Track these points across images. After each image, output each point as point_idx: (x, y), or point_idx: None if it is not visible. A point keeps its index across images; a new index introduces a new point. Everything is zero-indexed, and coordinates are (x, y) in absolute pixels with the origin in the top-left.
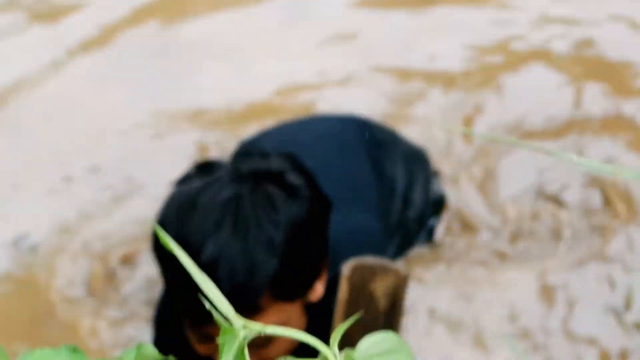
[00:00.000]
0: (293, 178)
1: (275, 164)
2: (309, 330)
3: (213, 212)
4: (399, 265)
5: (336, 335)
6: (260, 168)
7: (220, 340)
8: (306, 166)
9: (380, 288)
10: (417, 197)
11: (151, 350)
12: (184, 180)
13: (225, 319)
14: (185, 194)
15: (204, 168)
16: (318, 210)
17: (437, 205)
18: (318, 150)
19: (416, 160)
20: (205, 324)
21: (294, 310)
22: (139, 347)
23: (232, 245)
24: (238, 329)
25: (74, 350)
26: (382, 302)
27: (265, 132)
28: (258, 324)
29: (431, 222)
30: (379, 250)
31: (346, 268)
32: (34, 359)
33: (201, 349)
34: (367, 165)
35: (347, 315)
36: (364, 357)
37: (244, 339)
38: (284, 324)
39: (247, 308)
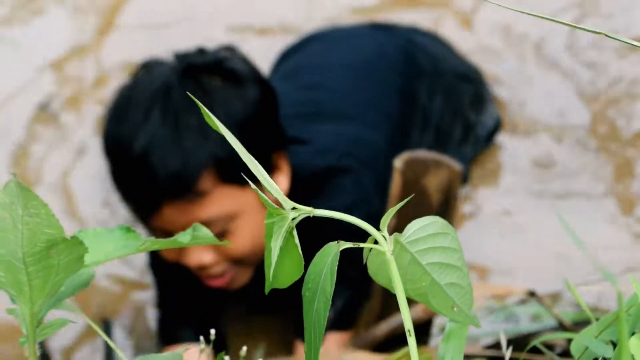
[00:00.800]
0: (233, 63)
1: (214, 55)
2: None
3: (142, 105)
4: (453, 160)
5: (386, 219)
6: (196, 60)
7: (267, 222)
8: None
9: (434, 183)
10: (456, 131)
11: (206, 232)
12: (130, 80)
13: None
14: (121, 92)
15: (147, 66)
16: (259, 94)
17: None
18: (342, 75)
19: (462, 90)
20: (150, 216)
21: (247, 196)
22: (195, 228)
23: (161, 134)
24: (287, 212)
25: (128, 230)
26: (434, 197)
27: (306, 40)
28: (306, 207)
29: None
30: (377, 165)
31: (399, 162)
32: (87, 237)
33: (162, 251)
34: (394, 95)
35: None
36: (411, 240)
37: (293, 220)
38: (238, 211)
39: (188, 194)
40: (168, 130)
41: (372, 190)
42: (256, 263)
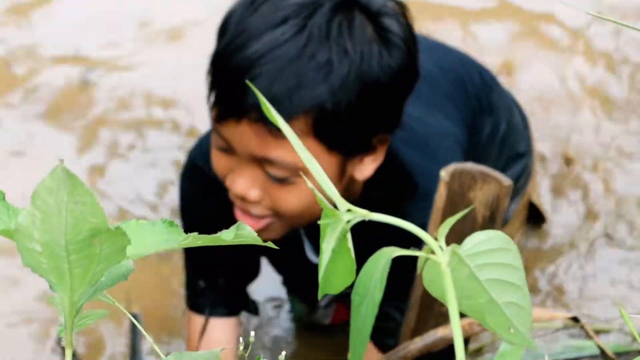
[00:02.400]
0: (394, 23)
1: (381, 3)
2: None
3: (283, 9)
4: (501, 174)
5: (444, 229)
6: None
7: (322, 223)
8: (413, 25)
9: (480, 197)
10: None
11: (250, 231)
12: None
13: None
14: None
15: None
16: (400, 70)
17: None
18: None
19: (514, 143)
20: (225, 121)
21: (329, 162)
22: (238, 227)
23: (285, 50)
24: (342, 213)
25: (170, 224)
26: (480, 211)
27: None
28: (363, 210)
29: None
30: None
31: (445, 173)
32: (130, 228)
33: (217, 161)
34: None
35: (443, 222)
36: (470, 253)
37: (348, 223)
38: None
39: (274, 125)
40: (292, 50)
41: None
42: (296, 226)
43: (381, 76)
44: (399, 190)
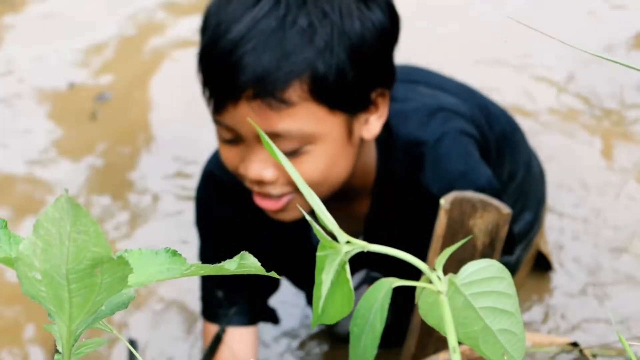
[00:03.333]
0: None
1: None
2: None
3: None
4: (501, 203)
5: (441, 259)
6: None
7: (319, 254)
8: None
9: (480, 224)
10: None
11: (253, 260)
12: None
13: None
14: None
15: None
16: (382, 24)
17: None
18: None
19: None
20: (224, 109)
21: (334, 123)
22: (242, 256)
23: (265, 25)
24: (340, 245)
25: (173, 253)
26: (480, 238)
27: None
28: (360, 242)
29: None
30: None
31: (446, 201)
32: (133, 257)
33: (226, 155)
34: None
35: (443, 249)
36: (466, 282)
37: (346, 254)
38: (318, 135)
39: (271, 98)
40: (273, 22)
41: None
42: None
43: (364, 31)
44: (408, 165)
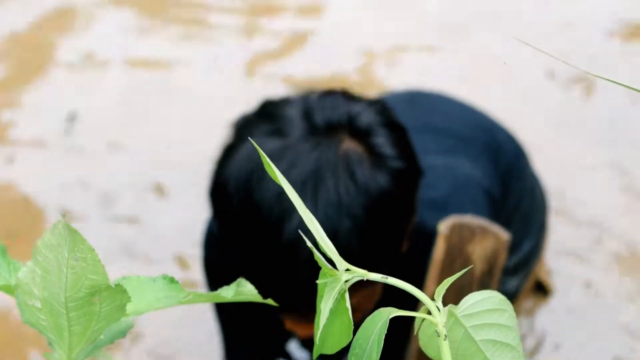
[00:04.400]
0: (381, 141)
1: (362, 115)
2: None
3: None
4: (500, 228)
5: (441, 290)
6: (341, 120)
7: (320, 283)
8: (397, 119)
9: (479, 250)
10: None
11: (250, 287)
12: (245, 127)
13: (329, 261)
14: (256, 160)
15: (269, 114)
16: (406, 182)
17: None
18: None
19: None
20: (283, 311)
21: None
22: (239, 284)
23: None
24: (340, 273)
25: (171, 280)
26: (478, 265)
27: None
28: (360, 270)
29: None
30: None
31: (444, 226)
32: (130, 285)
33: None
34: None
35: (441, 275)
36: (466, 313)
37: (346, 283)
38: (363, 301)
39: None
40: (320, 218)
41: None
42: None
43: (388, 197)
44: (421, 252)
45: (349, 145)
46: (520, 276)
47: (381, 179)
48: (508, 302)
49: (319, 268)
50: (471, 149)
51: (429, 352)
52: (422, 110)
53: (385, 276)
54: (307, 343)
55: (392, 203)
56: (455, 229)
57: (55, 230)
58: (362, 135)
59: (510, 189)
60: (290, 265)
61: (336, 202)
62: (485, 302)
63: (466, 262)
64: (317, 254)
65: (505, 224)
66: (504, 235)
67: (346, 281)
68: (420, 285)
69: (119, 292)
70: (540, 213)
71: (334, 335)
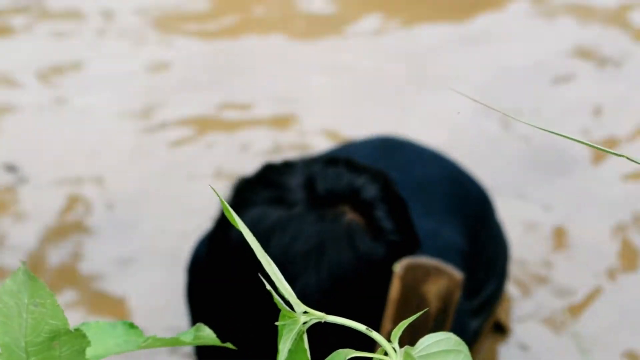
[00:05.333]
0: (381, 215)
1: (365, 189)
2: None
3: (294, 261)
4: (454, 268)
5: (397, 331)
6: (344, 192)
7: (278, 323)
8: (398, 191)
9: (433, 290)
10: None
11: (209, 332)
12: (245, 191)
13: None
14: (258, 231)
15: (270, 181)
16: (403, 253)
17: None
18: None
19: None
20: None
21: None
22: (198, 328)
23: (317, 299)
24: (298, 315)
25: (131, 326)
26: (433, 304)
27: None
28: (318, 313)
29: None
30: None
31: (399, 267)
32: (90, 329)
33: None
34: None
35: (397, 314)
36: (422, 354)
37: (304, 325)
38: None
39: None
40: (322, 296)
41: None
42: None
43: (384, 266)
44: None
45: (351, 217)
46: (482, 317)
47: (380, 250)
48: (464, 343)
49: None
50: (446, 203)
51: None
52: (401, 162)
53: (343, 318)
54: None
55: (388, 273)
56: (410, 269)
57: (16, 277)
58: (364, 208)
59: (477, 236)
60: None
61: (337, 272)
62: (441, 343)
63: (421, 301)
64: (276, 297)
65: (471, 269)
66: (458, 274)
67: (304, 323)
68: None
69: (79, 337)
70: (503, 258)
71: None
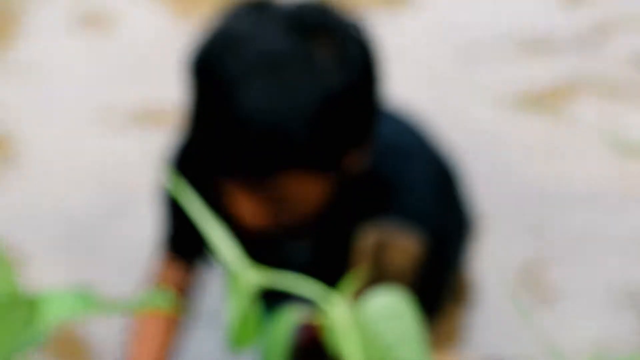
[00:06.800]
0: (353, 49)
1: (346, 29)
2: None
3: (253, 67)
4: (422, 232)
5: (349, 286)
6: (325, 23)
7: (228, 282)
8: (376, 47)
9: (396, 253)
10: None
11: (166, 295)
12: (234, 16)
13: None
14: (230, 36)
15: (259, 6)
16: (367, 82)
17: None
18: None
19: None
20: (228, 176)
21: (320, 179)
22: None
23: (268, 101)
24: (247, 276)
25: (83, 291)
26: (397, 264)
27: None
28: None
29: None
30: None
31: (361, 230)
32: (40, 298)
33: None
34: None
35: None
36: (370, 312)
37: (253, 287)
38: (304, 191)
39: (265, 172)
40: (274, 101)
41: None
42: (303, 232)
43: (347, 94)
44: (375, 203)
45: (325, 50)
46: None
47: (342, 74)
48: (411, 307)
49: (273, 134)
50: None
51: (332, 347)
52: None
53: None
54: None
55: (349, 99)
56: (375, 233)
57: None
58: (337, 42)
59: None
60: (244, 129)
61: (292, 90)
62: (388, 300)
63: (384, 264)
64: (224, 259)
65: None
66: (425, 238)
67: (253, 285)
68: (347, 243)
69: (28, 305)
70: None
71: (244, 332)
